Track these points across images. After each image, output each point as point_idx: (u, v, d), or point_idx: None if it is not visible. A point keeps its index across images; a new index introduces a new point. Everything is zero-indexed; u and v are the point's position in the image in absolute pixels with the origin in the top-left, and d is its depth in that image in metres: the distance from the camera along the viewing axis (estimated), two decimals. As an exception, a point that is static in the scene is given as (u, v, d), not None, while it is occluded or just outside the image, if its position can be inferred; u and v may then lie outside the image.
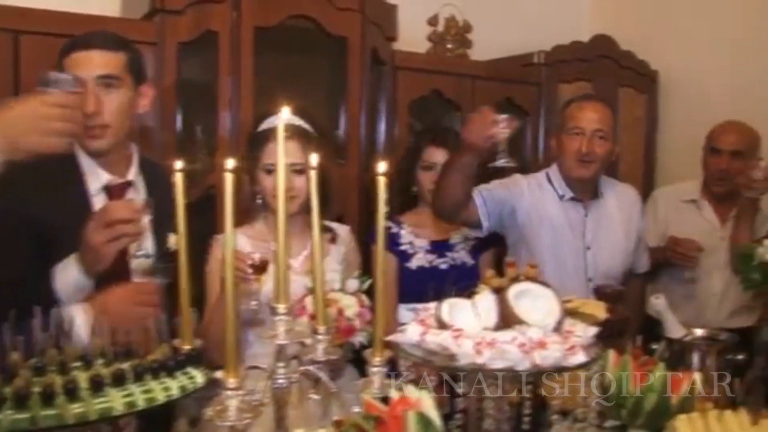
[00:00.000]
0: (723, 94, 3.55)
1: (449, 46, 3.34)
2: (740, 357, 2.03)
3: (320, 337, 1.51)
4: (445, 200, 2.36)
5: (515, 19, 3.75)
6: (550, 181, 2.65)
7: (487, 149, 2.27)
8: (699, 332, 2.15)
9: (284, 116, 1.42)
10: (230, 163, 1.20)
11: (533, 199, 2.59)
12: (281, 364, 1.39)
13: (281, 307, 1.34)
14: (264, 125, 2.13)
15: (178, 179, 1.31)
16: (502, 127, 2.21)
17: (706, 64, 3.72)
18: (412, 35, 3.22)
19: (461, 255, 2.55)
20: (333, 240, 2.24)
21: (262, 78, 2.60)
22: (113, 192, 1.86)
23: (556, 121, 2.90)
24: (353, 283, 1.92)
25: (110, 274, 1.70)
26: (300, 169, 2.04)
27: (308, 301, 1.74)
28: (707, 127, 3.05)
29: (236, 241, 2.07)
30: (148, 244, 1.86)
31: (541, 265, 1.88)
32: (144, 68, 1.95)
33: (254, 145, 2.14)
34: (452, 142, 2.51)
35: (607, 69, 3.66)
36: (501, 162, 2.30)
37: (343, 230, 2.30)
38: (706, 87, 3.69)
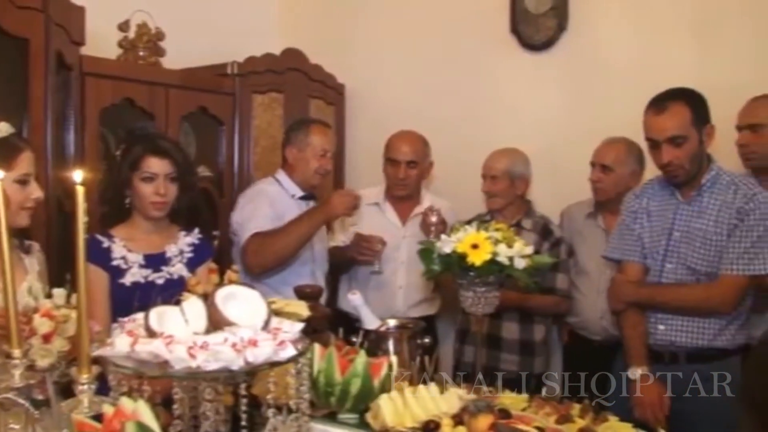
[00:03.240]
0: (400, 106, 3.91)
1: (141, 53, 3.24)
2: (427, 340, 2.29)
3: (15, 361, 1.42)
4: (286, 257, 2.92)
5: (208, 28, 3.76)
6: (280, 184, 3.11)
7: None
8: (392, 322, 2.37)
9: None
10: None
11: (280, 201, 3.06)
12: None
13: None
14: None
15: None
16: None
17: (386, 78, 4.07)
18: (102, 40, 3.08)
19: (178, 268, 2.46)
20: (27, 251, 2.10)
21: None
22: None
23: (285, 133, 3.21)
24: (59, 292, 1.78)
25: None
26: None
27: (36, 321, 1.60)
28: (387, 137, 3.35)
29: None
30: None
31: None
32: None
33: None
34: (172, 151, 2.47)
35: (297, 81, 3.82)
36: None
37: (34, 245, 2.16)
38: (386, 99, 4.04)
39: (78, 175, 1.32)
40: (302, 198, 3.14)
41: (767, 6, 3.14)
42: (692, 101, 2.40)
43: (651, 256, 2.51)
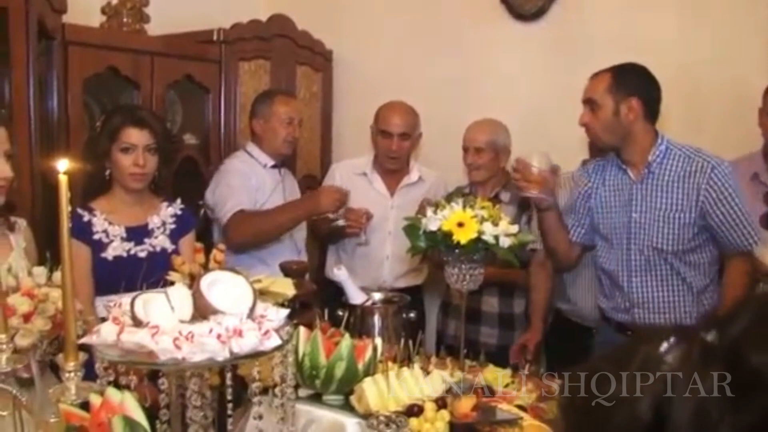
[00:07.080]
0: (389, 73, 3.89)
1: (125, 20, 3.18)
2: (412, 315, 2.31)
3: (2, 345, 1.43)
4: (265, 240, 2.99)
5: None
6: (251, 155, 3.18)
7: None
8: (377, 296, 2.40)
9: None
10: None
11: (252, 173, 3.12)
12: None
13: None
14: None
15: None
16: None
17: (374, 45, 4.03)
18: (84, 7, 3.03)
19: (160, 240, 2.46)
20: (12, 228, 2.09)
21: None
22: None
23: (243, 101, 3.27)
24: (40, 271, 1.77)
25: None
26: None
27: (14, 300, 1.59)
28: (376, 104, 3.33)
29: None
30: None
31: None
32: None
33: None
34: (151, 122, 2.45)
35: (284, 48, 3.77)
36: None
37: (20, 221, 2.14)
38: (375, 66, 4.01)
39: (62, 164, 1.30)
40: (274, 167, 3.21)
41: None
42: (619, 72, 2.41)
43: (613, 236, 2.52)
